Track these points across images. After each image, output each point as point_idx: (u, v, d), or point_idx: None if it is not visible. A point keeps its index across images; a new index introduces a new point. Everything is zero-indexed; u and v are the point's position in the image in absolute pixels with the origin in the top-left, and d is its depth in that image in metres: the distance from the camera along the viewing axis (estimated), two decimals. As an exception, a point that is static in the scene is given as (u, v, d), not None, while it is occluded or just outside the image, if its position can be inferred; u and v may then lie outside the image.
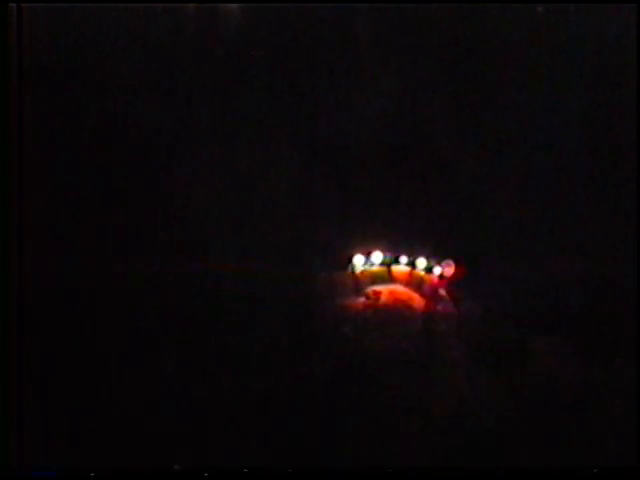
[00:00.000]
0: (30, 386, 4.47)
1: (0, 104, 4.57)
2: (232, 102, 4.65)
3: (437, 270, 4.49)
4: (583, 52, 4.71)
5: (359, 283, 4.48)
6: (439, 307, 4.49)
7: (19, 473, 4.48)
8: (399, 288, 4.49)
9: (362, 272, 4.48)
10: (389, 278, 4.49)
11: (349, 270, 4.47)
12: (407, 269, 4.49)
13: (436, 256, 4.49)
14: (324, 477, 4.30)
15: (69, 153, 4.65)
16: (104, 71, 4.70)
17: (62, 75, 4.71)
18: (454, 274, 4.48)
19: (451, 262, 4.48)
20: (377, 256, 4.47)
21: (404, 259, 4.49)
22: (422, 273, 4.49)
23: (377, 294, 4.49)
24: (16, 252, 4.51)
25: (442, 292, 4.49)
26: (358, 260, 4.47)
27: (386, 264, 4.48)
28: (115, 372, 4.50)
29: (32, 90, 4.63)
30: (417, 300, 4.49)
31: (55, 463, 4.44)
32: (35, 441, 4.46)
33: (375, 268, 4.48)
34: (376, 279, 4.49)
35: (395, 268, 4.49)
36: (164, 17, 4.76)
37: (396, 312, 4.48)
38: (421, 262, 4.48)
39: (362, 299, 4.49)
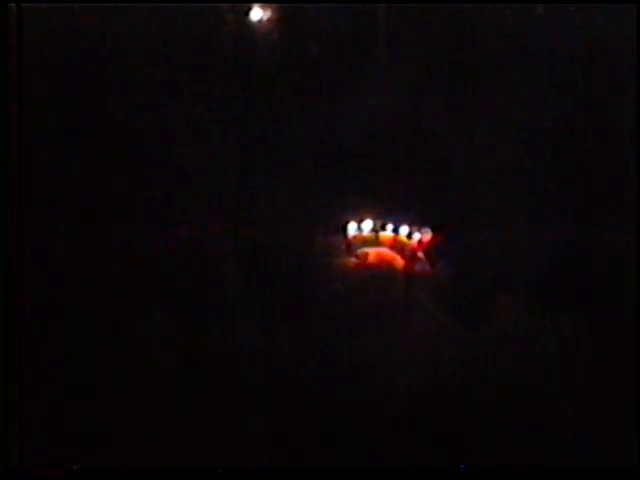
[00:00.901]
0: (30, 385, 4.63)
1: (0, 104, 4.60)
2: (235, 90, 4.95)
3: (417, 236, 5.21)
4: (582, 52, 5.03)
5: (351, 246, 5.22)
6: (417, 267, 5.26)
7: (19, 473, 4.50)
8: (385, 251, 5.24)
9: (354, 237, 5.22)
10: (377, 242, 5.22)
11: (343, 234, 5.22)
12: (392, 235, 5.21)
13: (417, 224, 5.21)
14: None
15: (69, 153, 4.83)
16: (105, 71, 4.85)
17: (62, 75, 4.81)
18: (431, 240, 5.23)
19: (429, 229, 5.24)
20: (367, 223, 5.20)
21: (390, 226, 5.20)
22: (404, 239, 5.22)
23: (365, 255, 5.25)
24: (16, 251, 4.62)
25: (420, 255, 5.26)
26: (351, 226, 5.20)
27: (375, 230, 5.23)
28: (116, 371, 4.75)
29: (32, 90, 4.72)
30: (399, 261, 5.23)
31: (56, 463, 4.56)
32: (35, 441, 4.61)
33: (365, 234, 5.23)
34: (365, 243, 5.22)
35: (382, 234, 5.20)
36: (164, 17, 4.87)
37: (381, 270, 5.24)
38: (404, 229, 5.21)
39: (353, 259, 5.24)
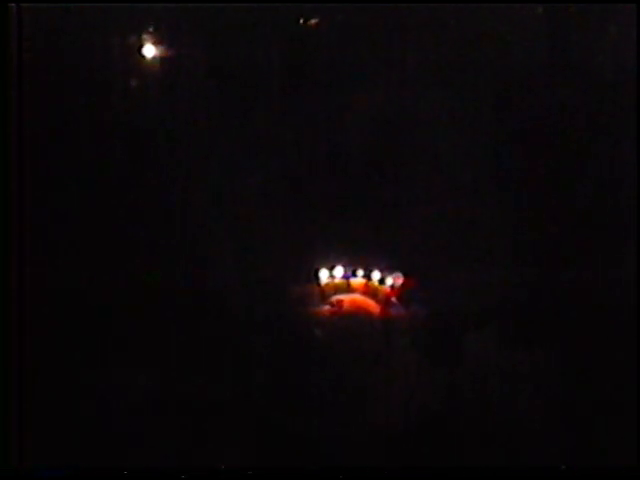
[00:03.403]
0: (30, 385, 4.59)
1: (0, 104, 4.56)
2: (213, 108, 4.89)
3: (389, 281, 5.25)
4: (582, 52, 4.98)
5: (324, 294, 5.26)
6: (391, 311, 5.30)
7: (19, 473, 4.47)
8: (358, 297, 5.28)
9: (326, 284, 5.26)
10: (349, 289, 5.26)
11: (315, 282, 5.28)
12: (363, 281, 5.22)
13: (387, 269, 5.23)
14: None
15: (69, 155, 4.81)
16: (105, 71, 4.85)
17: (62, 75, 4.78)
18: (403, 284, 5.26)
19: (400, 274, 5.31)
20: (338, 270, 5.24)
21: (361, 272, 5.22)
22: (376, 284, 5.24)
23: (340, 302, 5.31)
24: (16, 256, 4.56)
25: (393, 299, 5.32)
26: (323, 274, 5.25)
27: (345, 277, 5.26)
28: (116, 371, 4.76)
29: (32, 90, 4.66)
30: (373, 306, 5.27)
31: (56, 463, 4.52)
32: (35, 441, 4.57)
33: (337, 281, 5.26)
34: (338, 290, 5.26)
35: (353, 280, 5.23)
36: (164, 17, 4.86)
37: (356, 317, 5.27)
38: (375, 274, 5.23)
39: (327, 307, 5.27)
